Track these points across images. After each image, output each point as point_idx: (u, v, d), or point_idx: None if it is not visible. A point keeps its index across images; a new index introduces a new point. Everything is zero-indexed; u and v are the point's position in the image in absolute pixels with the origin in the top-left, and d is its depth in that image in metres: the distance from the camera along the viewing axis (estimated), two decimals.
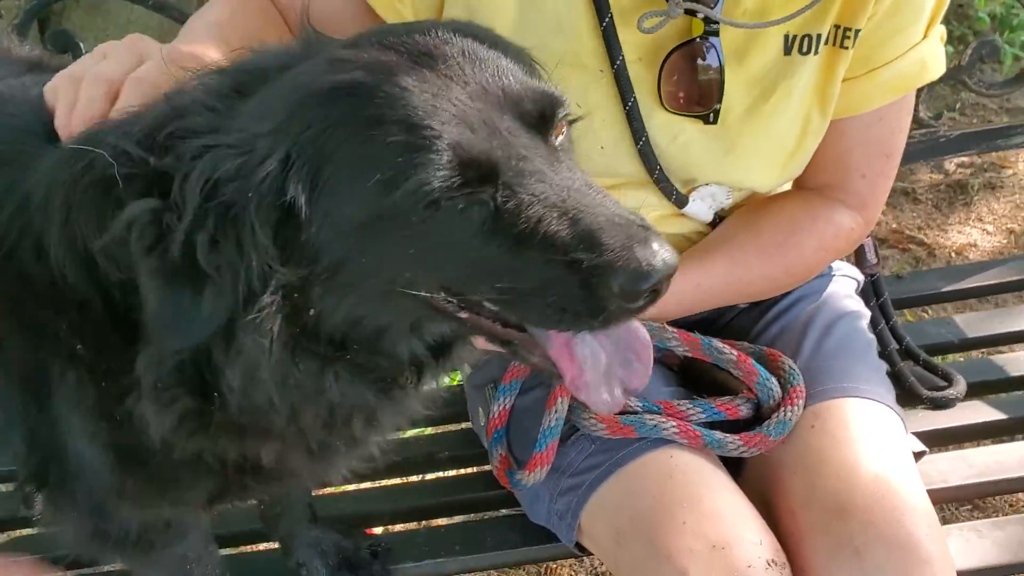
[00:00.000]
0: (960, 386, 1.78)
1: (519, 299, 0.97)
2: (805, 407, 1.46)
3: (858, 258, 1.82)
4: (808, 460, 1.41)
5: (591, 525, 1.43)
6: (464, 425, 1.82)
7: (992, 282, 2.12)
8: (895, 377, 1.75)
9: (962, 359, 2.17)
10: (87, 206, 1.02)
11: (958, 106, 3.62)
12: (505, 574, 2.24)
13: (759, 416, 1.47)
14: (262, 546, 1.76)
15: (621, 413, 1.42)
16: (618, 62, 1.37)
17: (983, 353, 2.09)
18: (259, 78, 1.04)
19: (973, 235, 3.21)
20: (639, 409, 1.44)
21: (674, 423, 1.42)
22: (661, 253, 0.91)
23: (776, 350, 1.53)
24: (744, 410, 1.46)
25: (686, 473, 1.39)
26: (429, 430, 1.91)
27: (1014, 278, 2.11)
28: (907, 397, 1.74)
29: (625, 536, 1.38)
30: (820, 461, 1.40)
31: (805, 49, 1.39)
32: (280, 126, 0.96)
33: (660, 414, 1.43)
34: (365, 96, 0.95)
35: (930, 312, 2.70)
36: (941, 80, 1.62)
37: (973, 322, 2.05)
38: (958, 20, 3.63)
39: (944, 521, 1.45)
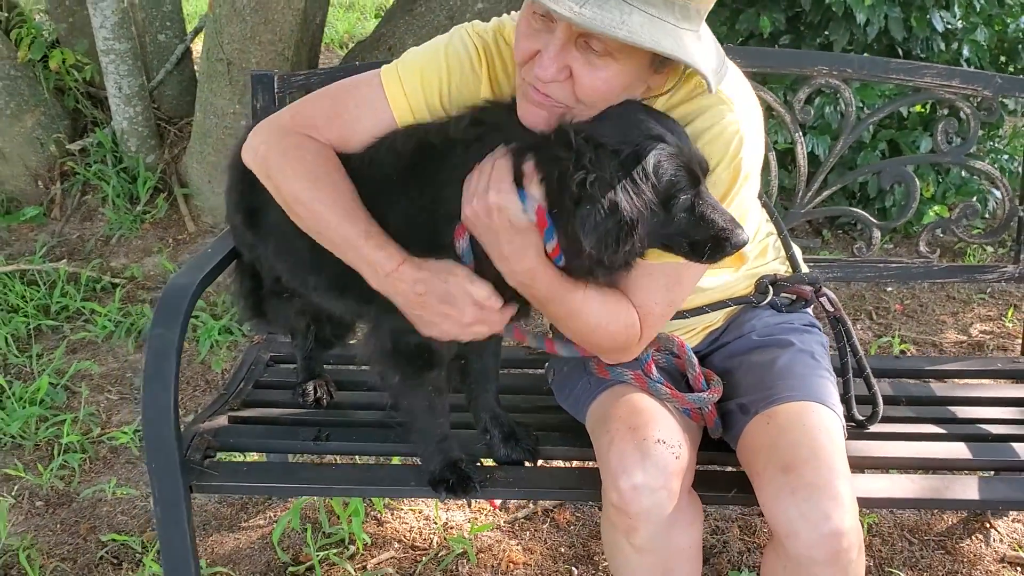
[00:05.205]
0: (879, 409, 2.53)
1: (688, 244, 1.95)
2: (768, 409, 2.21)
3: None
4: (770, 442, 2.15)
5: (589, 420, 2.34)
6: None
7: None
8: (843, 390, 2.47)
9: None
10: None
11: None
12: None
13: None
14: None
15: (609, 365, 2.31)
16: None
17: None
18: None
19: None
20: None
21: (631, 374, 2.27)
22: (743, 236, 1.92)
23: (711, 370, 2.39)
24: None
25: (633, 398, 2.22)
26: None
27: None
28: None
29: (595, 425, 2.26)
30: (777, 442, 2.13)
31: None
32: (634, 141, 1.87)
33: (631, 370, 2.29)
34: (660, 143, 1.89)
35: None
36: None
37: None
38: None
39: None
